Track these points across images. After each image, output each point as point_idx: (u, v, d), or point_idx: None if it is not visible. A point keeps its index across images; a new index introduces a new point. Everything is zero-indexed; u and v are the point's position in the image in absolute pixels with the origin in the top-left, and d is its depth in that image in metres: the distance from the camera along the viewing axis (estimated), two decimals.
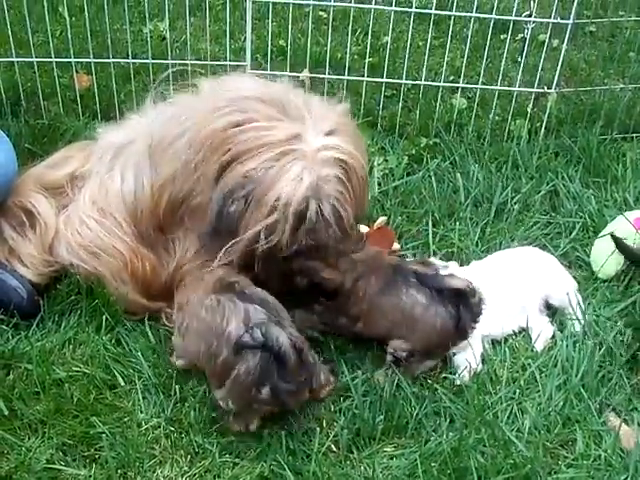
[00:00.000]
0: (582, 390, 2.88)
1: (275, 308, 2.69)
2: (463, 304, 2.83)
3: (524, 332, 3.14)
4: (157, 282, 3.11)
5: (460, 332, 2.85)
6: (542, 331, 3.09)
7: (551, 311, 3.20)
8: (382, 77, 4.26)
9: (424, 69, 4.31)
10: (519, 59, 4.47)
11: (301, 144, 2.76)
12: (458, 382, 2.92)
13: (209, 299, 2.73)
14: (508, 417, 2.81)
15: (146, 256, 3.09)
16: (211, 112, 2.87)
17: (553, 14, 4.03)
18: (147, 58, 4.24)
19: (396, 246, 3.49)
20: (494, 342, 3.09)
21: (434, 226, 3.63)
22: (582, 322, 3.12)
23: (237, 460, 2.66)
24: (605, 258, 3.37)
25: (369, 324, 2.92)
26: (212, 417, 2.76)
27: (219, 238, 2.87)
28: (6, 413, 2.76)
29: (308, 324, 2.94)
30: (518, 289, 3.17)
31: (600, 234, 3.49)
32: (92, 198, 3.16)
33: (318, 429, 2.76)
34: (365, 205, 3.17)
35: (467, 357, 2.97)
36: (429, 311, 2.82)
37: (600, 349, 3.03)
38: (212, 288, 2.79)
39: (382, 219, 3.51)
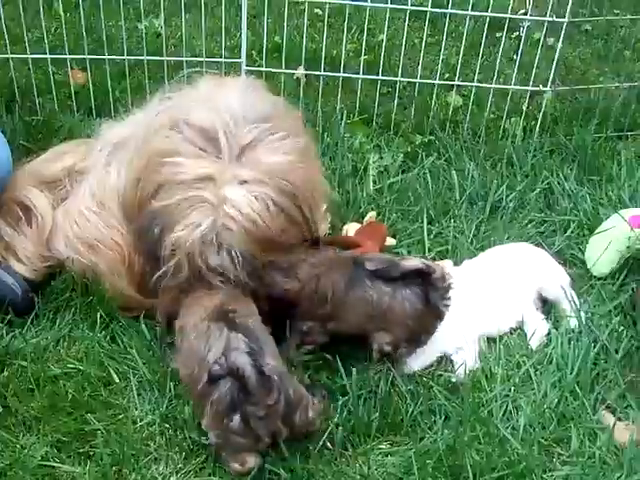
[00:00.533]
0: (577, 387, 2.88)
1: (258, 338, 2.61)
2: (427, 283, 2.81)
3: (519, 330, 3.15)
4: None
5: (433, 310, 2.83)
6: (537, 328, 3.09)
7: (546, 308, 3.20)
8: (377, 75, 4.25)
9: (419, 67, 4.31)
10: (514, 57, 4.48)
11: (210, 189, 2.68)
12: (454, 379, 2.92)
13: (202, 324, 2.70)
14: (503, 415, 2.81)
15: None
16: (156, 129, 2.87)
17: (548, 12, 4.03)
18: (142, 55, 4.24)
19: (391, 241, 3.49)
20: (489, 340, 3.09)
21: (429, 224, 3.62)
22: (577, 318, 3.11)
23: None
24: (600, 256, 3.37)
25: (340, 322, 2.90)
26: None
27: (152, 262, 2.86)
28: (0, 410, 2.76)
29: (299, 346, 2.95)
30: (512, 285, 3.17)
31: (595, 232, 3.50)
32: (92, 191, 3.15)
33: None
34: (318, 214, 3.08)
35: (464, 356, 2.97)
36: (396, 297, 2.81)
37: (595, 346, 3.03)
38: (208, 314, 2.73)
39: (371, 214, 3.53)
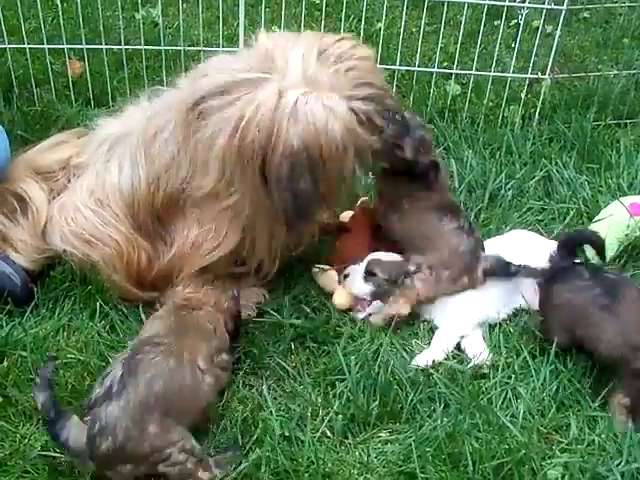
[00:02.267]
0: (576, 375, 2.88)
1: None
2: None
3: (518, 315, 3.15)
4: (151, 273, 3.11)
5: None
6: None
7: None
8: (376, 63, 4.23)
9: (418, 55, 4.30)
10: (513, 45, 4.48)
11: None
12: (466, 370, 2.92)
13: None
14: (502, 402, 2.81)
15: (143, 247, 3.09)
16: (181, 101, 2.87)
17: (547, 0, 4.02)
18: (140, 44, 4.24)
19: None
20: (489, 327, 3.10)
21: None
22: None
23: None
24: None
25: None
26: None
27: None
28: (0, 400, 2.76)
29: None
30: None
31: (594, 220, 3.49)
32: (89, 188, 3.15)
33: (312, 415, 2.77)
34: None
35: (471, 343, 3.00)
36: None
37: None
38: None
39: (364, 198, 3.53)
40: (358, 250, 3.27)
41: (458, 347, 3.04)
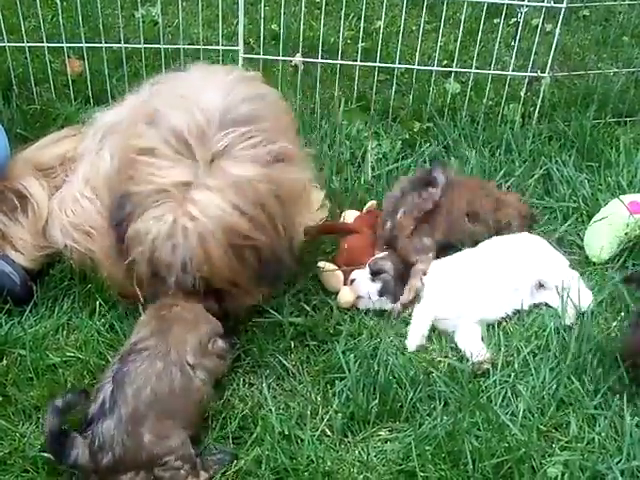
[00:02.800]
0: (576, 373, 2.88)
1: None
2: None
3: (518, 314, 3.15)
4: None
5: None
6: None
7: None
8: (375, 61, 4.24)
9: (417, 53, 4.29)
10: (512, 43, 4.47)
11: (179, 189, 2.69)
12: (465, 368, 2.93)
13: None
14: (502, 400, 2.81)
15: None
16: (135, 121, 2.89)
17: None
18: (139, 43, 4.23)
19: None
20: (489, 326, 3.10)
21: None
22: (577, 304, 3.12)
23: (232, 445, 2.67)
24: (599, 242, 3.38)
25: None
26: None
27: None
28: (0, 399, 2.76)
29: None
30: (510, 273, 3.18)
31: (594, 218, 3.50)
32: (85, 177, 3.16)
33: (312, 413, 2.77)
34: (298, 216, 3.05)
35: (468, 342, 3.01)
36: None
37: (594, 332, 3.03)
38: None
39: (372, 203, 3.55)
40: (363, 251, 3.30)
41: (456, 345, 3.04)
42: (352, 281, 3.18)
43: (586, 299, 3.14)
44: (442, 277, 3.20)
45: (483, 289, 3.13)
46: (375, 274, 3.17)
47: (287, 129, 3.00)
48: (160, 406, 2.52)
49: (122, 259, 2.83)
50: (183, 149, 2.71)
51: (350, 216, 3.49)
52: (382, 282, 3.16)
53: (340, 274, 3.23)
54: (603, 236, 3.38)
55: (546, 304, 3.20)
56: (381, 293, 3.16)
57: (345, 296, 3.18)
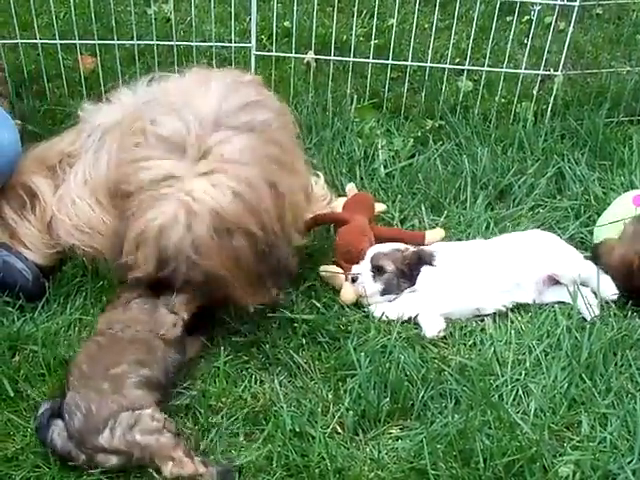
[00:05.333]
0: (587, 372, 2.88)
1: None
2: None
3: (530, 312, 3.15)
4: None
5: None
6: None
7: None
8: (388, 59, 4.24)
9: (430, 51, 4.29)
10: (525, 41, 4.46)
11: (174, 185, 2.71)
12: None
13: None
14: (513, 399, 2.81)
15: None
16: (127, 131, 2.91)
17: None
18: (152, 40, 4.23)
19: (381, 207, 3.55)
20: (500, 324, 3.10)
21: (439, 208, 3.63)
22: (590, 303, 3.12)
23: (244, 442, 2.67)
24: (608, 237, 3.37)
25: None
26: (217, 396, 2.78)
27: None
28: (12, 394, 2.77)
29: None
30: (513, 266, 3.19)
31: (599, 219, 3.49)
32: (83, 178, 3.17)
33: (323, 410, 2.77)
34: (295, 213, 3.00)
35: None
36: None
37: (605, 331, 3.02)
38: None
39: (350, 185, 3.59)
40: (358, 241, 3.28)
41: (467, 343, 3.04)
42: (353, 279, 3.17)
43: (610, 288, 3.15)
44: (444, 266, 3.19)
45: (480, 280, 3.15)
46: (376, 271, 3.17)
47: (285, 134, 3.00)
48: (99, 357, 2.67)
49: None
50: (177, 153, 2.72)
51: (338, 204, 3.50)
52: (384, 282, 3.16)
53: (340, 271, 3.24)
54: (612, 234, 3.37)
55: (560, 302, 3.18)
56: (384, 292, 3.17)
57: (347, 293, 3.18)
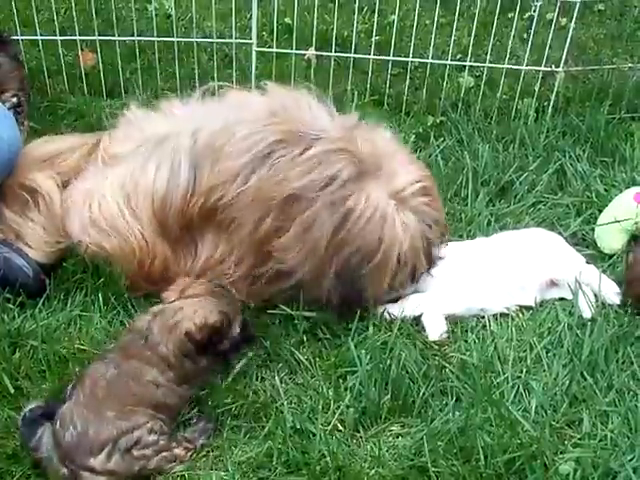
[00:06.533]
0: (588, 369, 2.88)
1: None
2: None
3: (531, 310, 3.15)
4: (163, 276, 3.09)
5: None
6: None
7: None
8: (389, 55, 4.24)
9: (431, 47, 4.29)
10: (527, 38, 4.45)
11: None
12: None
13: None
14: (514, 396, 2.80)
15: (160, 252, 3.08)
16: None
17: None
18: (152, 36, 4.23)
19: None
20: (502, 321, 3.10)
21: None
22: (591, 302, 3.11)
23: (245, 439, 2.67)
24: (609, 235, 3.40)
25: None
26: (221, 395, 2.78)
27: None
28: (12, 391, 2.76)
29: None
30: (519, 268, 3.18)
31: (604, 211, 3.49)
32: (121, 183, 3.11)
33: (324, 407, 2.77)
34: None
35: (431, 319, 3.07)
36: None
37: (607, 328, 3.01)
38: None
39: None
40: None
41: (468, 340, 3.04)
42: None
43: (613, 290, 3.15)
44: (449, 267, 3.19)
45: (486, 283, 3.14)
46: None
47: None
48: (116, 390, 2.58)
49: None
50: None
51: None
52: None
53: None
54: (613, 230, 3.37)
55: (561, 298, 3.18)
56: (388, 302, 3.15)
57: None
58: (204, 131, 3.02)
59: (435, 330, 3.02)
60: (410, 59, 4.26)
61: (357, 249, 2.90)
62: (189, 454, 2.59)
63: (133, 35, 4.24)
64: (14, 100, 3.85)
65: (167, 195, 3.02)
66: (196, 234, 3.07)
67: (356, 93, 4.26)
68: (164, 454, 2.55)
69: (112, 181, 3.14)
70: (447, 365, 2.90)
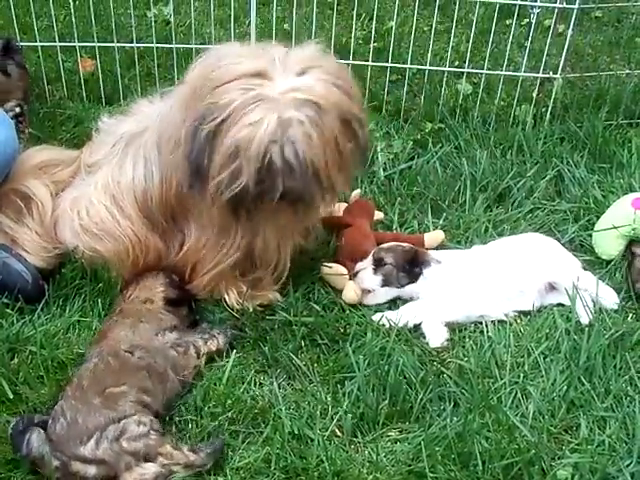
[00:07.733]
0: (586, 374, 2.88)
1: None
2: None
3: (529, 315, 3.15)
4: (158, 267, 3.14)
5: None
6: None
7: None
8: (387, 62, 4.25)
9: (429, 54, 4.29)
10: (525, 44, 4.46)
11: (267, 84, 2.67)
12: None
13: None
14: (512, 402, 2.81)
15: (153, 246, 3.12)
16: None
17: None
18: (151, 42, 4.24)
19: (379, 215, 3.57)
20: (499, 327, 3.10)
21: (438, 211, 3.63)
22: (588, 307, 3.11)
23: (243, 444, 2.67)
24: (607, 242, 3.40)
25: None
26: (219, 400, 2.78)
27: (199, 179, 2.80)
28: (11, 397, 2.76)
29: None
30: (517, 274, 3.19)
31: (602, 217, 3.49)
32: (104, 185, 3.15)
33: (322, 413, 2.77)
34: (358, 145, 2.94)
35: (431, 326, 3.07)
36: None
37: (604, 334, 3.02)
38: None
39: (356, 192, 3.58)
40: (362, 242, 3.30)
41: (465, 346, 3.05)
42: (355, 274, 3.18)
43: (610, 296, 3.17)
44: (447, 274, 3.19)
45: (485, 289, 3.14)
46: (377, 263, 3.17)
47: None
48: (98, 373, 2.66)
49: (202, 192, 2.82)
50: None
51: (338, 208, 3.50)
52: (384, 273, 3.16)
53: (343, 270, 3.24)
54: (611, 236, 3.38)
55: (559, 304, 3.19)
56: (384, 284, 3.17)
57: (349, 292, 3.19)
58: (160, 123, 3.05)
59: (436, 337, 3.03)
60: (408, 65, 4.27)
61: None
62: (191, 459, 2.56)
63: (132, 41, 4.25)
64: (17, 110, 3.86)
65: (146, 189, 3.06)
66: (180, 222, 3.11)
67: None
68: (159, 449, 2.54)
69: (96, 185, 3.18)
70: (445, 370, 2.90)
